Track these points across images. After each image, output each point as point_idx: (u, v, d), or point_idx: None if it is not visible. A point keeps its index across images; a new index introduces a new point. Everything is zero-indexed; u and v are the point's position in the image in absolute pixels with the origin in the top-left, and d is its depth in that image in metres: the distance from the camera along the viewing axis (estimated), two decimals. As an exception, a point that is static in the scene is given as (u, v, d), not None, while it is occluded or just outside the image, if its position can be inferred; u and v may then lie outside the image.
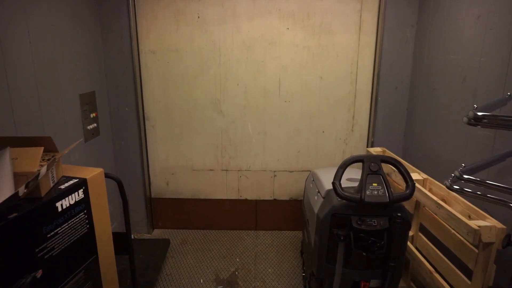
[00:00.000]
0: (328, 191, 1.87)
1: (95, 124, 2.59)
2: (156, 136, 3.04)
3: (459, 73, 2.12)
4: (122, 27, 2.71)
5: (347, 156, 2.90)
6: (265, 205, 3.21)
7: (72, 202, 1.42)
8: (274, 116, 2.97)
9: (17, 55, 1.77)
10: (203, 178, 3.14)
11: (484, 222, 1.52)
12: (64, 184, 1.43)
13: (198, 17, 2.75)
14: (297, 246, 3.02)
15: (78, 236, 1.45)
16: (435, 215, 1.89)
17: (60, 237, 1.35)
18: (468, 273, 1.62)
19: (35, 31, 1.91)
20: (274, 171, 3.12)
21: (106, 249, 1.67)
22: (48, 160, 1.42)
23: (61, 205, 1.36)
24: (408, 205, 2.15)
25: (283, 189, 3.17)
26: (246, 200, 3.21)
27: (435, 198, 1.83)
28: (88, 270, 1.53)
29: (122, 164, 3.00)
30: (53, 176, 1.43)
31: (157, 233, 3.24)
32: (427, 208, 1.97)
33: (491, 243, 1.48)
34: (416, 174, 2.23)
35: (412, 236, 2.15)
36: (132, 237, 3.00)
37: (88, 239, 1.54)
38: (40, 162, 1.36)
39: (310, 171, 3.04)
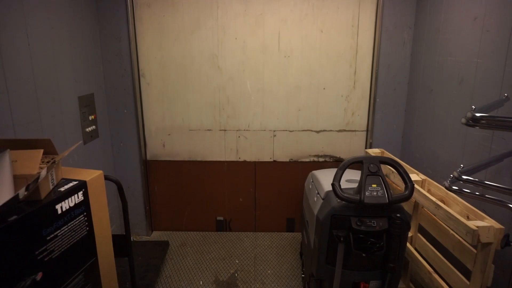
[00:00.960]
0: (328, 193, 1.87)
1: (94, 126, 2.59)
2: (151, 95, 2.94)
3: (456, 75, 2.13)
4: (120, 28, 2.71)
5: (349, 114, 2.89)
6: (264, 167, 3.12)
7: (71, 204, 1.41)
8: (274, 72, 2.88)
9: (15, 57, 1.78)
10: (201, 139, 3.05)
11: (483, 222, 1.53)
12: (63, 186, 1.43)
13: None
14: (297, 248, 3.03)
15: (77, 239, 1.45)
16: (434, 216, 1.90)
17: (60, 239, 1.35)
18: (467, 274, 1.63)
19: (34, 33, 1.91)
20: (274, 131, 3.03)
21: (106, 251, 1.67)
22: (48, 162, 1.42)
23: (61, 207, 1.36)
24: (407, 206, 2.16)
25: (283, 150, 3.07)
26: (245, 161, 3.11)
27: (433, 199, 1.83)
28: (87, 272, 1.53)
29: (121, 166, 3.00)
30: (53, 179, 1.42)
31: (156, 235, 3.23)
32: (425, 209, 1.98)
33: (490, 243, 1.49)
34: (414, 175, 2.23)
35: (411, 237, 2.16)
36: (131, 239, 2.99)
37: (88, 242, 1.53)
38: (40, 164, 1.36)
39: (310, 130, 3.00)
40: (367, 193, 1.64)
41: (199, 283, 2.56)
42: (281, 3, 2.75)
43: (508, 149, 1.65)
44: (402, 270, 1.84)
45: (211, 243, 3.09)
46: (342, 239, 1.67)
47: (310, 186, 2.32)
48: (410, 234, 2.17)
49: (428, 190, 2.12)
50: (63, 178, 1.51)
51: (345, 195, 1.65)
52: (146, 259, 2.67)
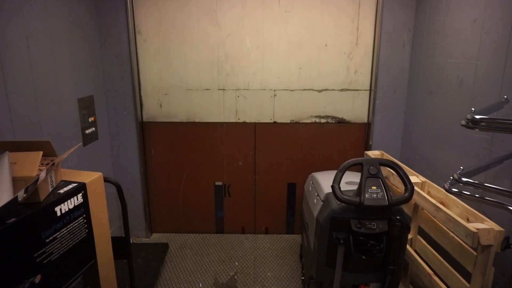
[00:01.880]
0: (328, 195, 1.87)
1: (93, 128, 2.59)
2: (148, 52, 2.85)
3: (455, 77, 2.13)
4: (120, 30, 2.71)
5: (352, 73, 2.83)
6: (264, 128, 3.03)
7: (71, 206, 1.41)
8: (274, 28, 2.79)
9: (15, 60, 1.77)
10: (199, 99, 2.95)
11: (483, 224, 1.53)
12: (63, 188, 1.43)
13: None
14: (296, 250, 3.02)
15: (77, 241, 1.45)
16: (433, 218, 1.90)
17: (59, 241, 1.34)
18: (467, 276, 1.63)
19: (33, 35, 1.91)
20: (274, 90, 2.93)
21: (105, 253, 1.66)
22: (47, 164, 1.41)
23: (60, 209, 1.36)
24: (407, 208, 2.16)
25: (284, 110, 2.98)
26: (244, 123, 3.02)
27: (433, 201, 1.83)
28: (87, 275, 1.52)
29: (121, 168, 3.00)
30: (52, 181, 1.42)
31: (155, 237, 3.23)
32: (425, 211, 1.98)
33: (490, 246, 1.49)
34: (414, 177, 2.23)
35: (411, 239, 2.15)
36: (131, 241, 2.98)
37: (87, 244, 1.53)
38: (39, 166, 1.36)
39: (312, 89, 2.91)
40: (367, 195, 1.64)
41: (199, 285, 2.56)
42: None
43: (508, 151, 1.65)
44: (402, 272, 1.83)
45: (210, 245, 3.09)
46: (342, 241, 1.67)
47: (310, 188, 2.32)
48: (410, 236, 2.16)
49: (428, 192, 2.11)
50: (62, 180, 1.51)
51: (345, 197, 1.65)
52: (146, 261, 2.66)
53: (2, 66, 1.68)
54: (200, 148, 3.08)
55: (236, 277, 2.66)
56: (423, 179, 2.19)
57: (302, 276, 2.54)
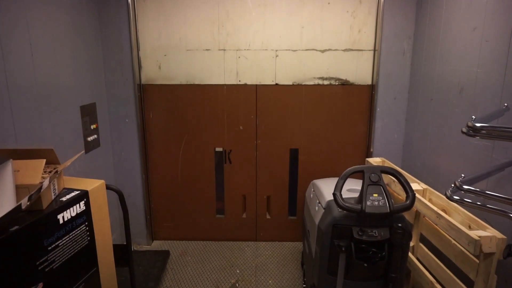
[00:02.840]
0: (329, 202, 1.87)
1: (95, 136, 2.60)
2: (147, 10, 2.77)
3: (456, 84, 2.14)
4: (122, 39, 2.74)
5: (355, 32, 2.78)
6: (266, 90, 2.93)
7: (73, 214, 1.42)
8: None
9: (19, 67, 1.79)
10: (199, 60, 2.87)
11: (485, 232, 1.53)
12: (65, 196, 1.44)
13: None
14: (298, 257, 3.01)
15: (79, 249, 1.45)
16: (435, 226, 1.89)
17: (61, 249, 1.35)
18: (469, 284, 1.62)
19: (37, 43, 1.93)
20: (276, 51, 2.84)
21: (107, 261, 1.66)
22: (50, 172, 1.42)
23: (63, 217, 1.36)
24: (408, 215, 2.15)
25: (286, 71, 2.88)
26: (245, 85, 2.92)
27: (435, 208, 1.83)
28: (88, 282, 1.52)
29: (122, 174, 3.00)
30: (55, 188, 1.43)
31: (156, 245, 3.22)
32: (427, 218, 1.97)
33: (492, 253, 1.49)
34: (415, 184, 2.23)
35: (413, 246, 2.15)
36: (132, 248, 2.98)
37: (89, 251, 1.53)
38: (42, 174, 1.36)
39: (314, 50, 2.83)
40: (368, 203, 1.64)
41: (200, 293, 2.55)
42: None
43: (509, 158, 1.65)
44: (404, 280, 1.82)
45: (211, 253, 3.08)
46: (343, 249, 1.67)
47: (311, 195, 2.32)
48: (411, 243, 2.15)
49: (430, 200, 2.11)
50: (65, 188, 1.52)
51: (346, 204, 1.65)
52: (147, 268, 2.65)
53: (5, 74, 1.69)
54: (199, 112, 2.99)
55: (237, 285, 2.64)
56: (425, 186, 2.19)
57: (304, 284, 2.53)
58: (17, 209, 1.11)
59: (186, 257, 3.01)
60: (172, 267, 2.85)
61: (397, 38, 2.74)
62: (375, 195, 1.68)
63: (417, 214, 2.10)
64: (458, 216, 1.82)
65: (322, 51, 2.84)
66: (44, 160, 1.36)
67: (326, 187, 2.12)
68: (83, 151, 2.41)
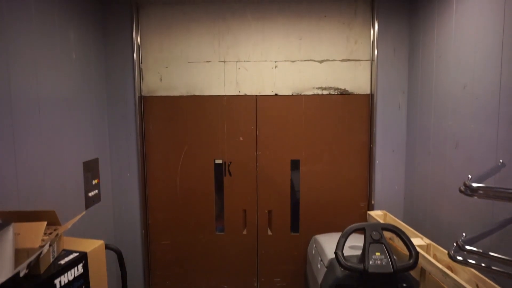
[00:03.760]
0: (331, 260, 1.84)
1: (96, 191, 2.61)
2: (150, 24, 2.89)
3: (451, 138, 2.19)
4: (127, 94, 2.85)
5: (352, 43, 2.82)
6: (266, 101, 2.96)
7: (71, 278, 1.39)
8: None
9: (26, 127, 1.85)
10: (199, 71, 2.94)
11: (492, 293, 1.49)
12: (64, 258, 1.42)
13: None
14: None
15: (74, 314, 1.41)
16: (442, 284, 1.84)
17: (57, 316, 1.31)
18: None
19: (45, 102, 2.01)
20: (275, 62, 2.91)
21: (102, 326, 1.60)
22: (50, 233, 1.42)
23: (60, 281, 1.34)
24: (414, 271, 2.09)
25: (285, 82, 2.94)
26: (245, 95, 2.96)
27: (440, 266, 1.79)
28: None
29: (121, 230, 2.97)
30: (54, 251, 1.42)
31: (154, 303, 3.10)
32: (433, 275, 1.92)
33: (502, 317, 1.43)
34: (418, 239, 2.20)
35: (420, 305, 2.07)
36: (128, 308, 2.86)
37: (85, 317, 1.48)
38: (43, 237, 1.36)
39: (312, 60, 2.91)
40: (371, 262, 1.62)
41: None
42: None
43: (511, 214, 1.65)
44: None
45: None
46: (348, 311, 1.62)
47: (313, 252, 2.28)
48: (419, 302, 2.08)
49: (434, 256, 2.07)
50: (64, 250, 1.50)
51: (349, 264, 1.63)
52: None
53: (13, 136, 1.75)
54: (199, 123, 3.00)
55: None
56: (428, 241, 2.15)
57: None
58: (15, 277, 1.10)
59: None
60: (170, 328, 2.72)
61: (391, 92, 2.85)
62: (378, 253, 1.65)
63: (423, 271, 2.05)
64: (464, 274, 1.77)
65: (320, 62, 2.93)
66: (45, 223, 1.36)
67: (328, 244, 2.10)
68: (84, 212, 2.40)
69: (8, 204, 1.70)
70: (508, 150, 1.68)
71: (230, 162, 3.03)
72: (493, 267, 1.36)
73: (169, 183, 3.05)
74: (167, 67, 2.96)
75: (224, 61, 2.94)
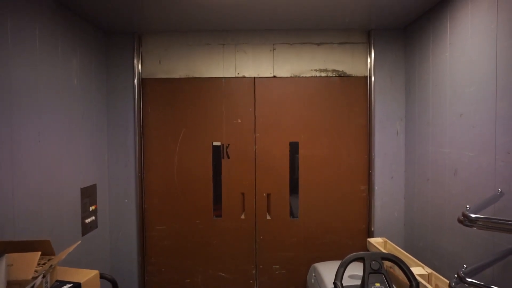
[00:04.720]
0: (330, 291, 1.80)
1: (93, 217, 2.59)
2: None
3: (449, 166, 2.19)
4: (128, 123, 2.87)
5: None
6: (264, 83, 2.96)
7: (63, 310, 1.36)
8: None
9: (25, 154, 1.86)
10: (199, 54, 2.94)
11: (496, 327, 1.45)
12: (57, 290, 1.39)
13: None
14: None
15: None
16: (444, 316, 1.79)
17: None
18: None
19: (45, 131, 2.03)
20: (274, 44, 2.93)
21: None
22: (44, 264, 1.40)
23: (52, 314, 1.31)
24: (415, 303, 2.05)
25: (284, 64, 2.94)
26: (244, 77, 2.96)
27: (441, 297, 1.75)
28: None
29: (118, 257, 2.92)
30: (47, 282, 1.39)
31: (149, 333, 3.00)
32: (435, 308, 1.88)
33: None
34: (419, 268, 2.16)
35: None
36: None
37: None
38: (36, 267, 1.34)
39: (310, 43, 2.91)
40: (371, 293, 1.58)
41: None
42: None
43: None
44: None
45: None
46: None
47: (313, 281, 2.24)
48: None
49: (436, 286, 2.03)
50: (57, 280, 1.48)
51: (348, 295, 1.59)
52: None
53: (12, 161, 1.75)
54: (198, 106, 3.00)
55: None
56: (429, 270, 2.12)
57: None
58: (5, 311, 1.08)
59: None
60: None
61: (389, 120, 2.87)
62: (377, 284, 1.62)
63: (424, 302, 2.00)
64: (466, 306, 1.73)
65: (318, 44, 2.95)
66: (39, 253, 1.34)
67: (327, 273, 2.06)
68: (79, 241, 2.37)
69: (4, 230, 1.68)
70: (506, 179, 1.68)
71: (228, 145, 3.01)
72: (495, 301, 1.34)
73: (167, 166, 3.02)
74: (166, 50, 2.98)
75: (223, 44, 2.97)
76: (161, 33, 2.96)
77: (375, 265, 1.67)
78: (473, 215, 1.31)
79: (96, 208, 2.63)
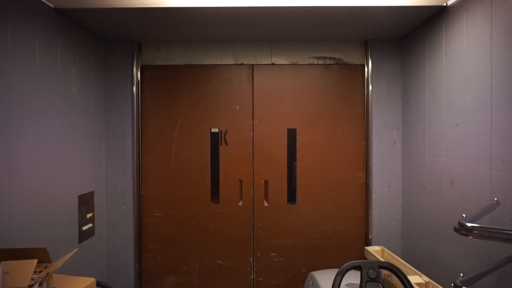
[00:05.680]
0: (327, 300, 1.80)
1: (90, 225, 2.58)
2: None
3: (446, 175, 2.20)
4: (126, 131, 2.88)
5: None
6: (262, 70, 2.99)
7: (59, 319, 1.35)
8: None
9: (23, 162, 1.86)
10: (198, 44, 2.97)
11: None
12: (53, 298, 1.38)
13: None
14: None
15: None
16: (441, 326, 1.79)
17: None
18: None
19: (43, 138, 2.04)
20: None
21: None
22: (40, 272, 1.39)
23: (47, 323, 1.30)
24: (412, 313, 2.04)
25: (282, 51, 2.98)
26: (242, 64, 2.99)
27: (439, 307, 1.75)
28: None
29: (115, 265, 2.90)
30: (43, 290, 1.38)
31: None
32: (432, 317, 1.87)
33: None
34: (417, 276, 2.16)
35: None
36: None
37: None
38: (32, 275, 1.34)
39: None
40: (368, 302, 1.58)
41: None
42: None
43: (508, 254, 1.63)
44: None
45: None
46: None
47: (310, 290, 2.23)
48: None
49: (433, 295, 2.03)
50: (53, 288, 1.47)
51: (345, 305, 1.59)
52: None
53: (9, 170, 1.75)
54: (196, 93, 3.01)
55: None
56: (427, 279, 2.12)
57: None
58: (1, 319, 1.07)
59: None
60: None
61: (386, 129, 2.89)
62: (375, 293, 1.62)
63: (422, 311, 2.00)
64: (464, 316, 1.73)
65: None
66: (35, 261, 1.34)
67: (324, 281, 2.06)
68: (76, 249, 2.36)
69: (0, 238, 1.68)
70: (502, 189, 1.70)
71: (227, 131, 3.02)
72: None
73: (165, 153, 3.02)
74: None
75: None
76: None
77: (372, 274, 1.67)
78: (469, 224, 1.32)
79: (93, 216, 2.63)
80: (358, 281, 1.72)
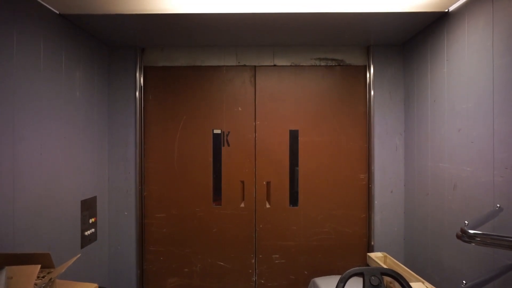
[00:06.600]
0: (330, 306, 1.79)
1: (93, 230, 2.59)
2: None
3: (449, 181, 2.20)
4: (128, 137, 2.89)
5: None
6: (265, 71, 3.00)
7: (61, 324, 1.35)
8: None
9: (27, 167, 1.87)
10: (201, 47, 2.99)
11: None
12: (56, 303, 1.39)
13: None
14: None
15: None
16: (444, 333, 1.78)
17: None
18: None
19: (47, 143, 2.05)
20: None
21: None
22: (44, 277, 1.40)
23: (50, 328, 1.30)
24: (415, 320, 2.03)
25: (284, 52, 2.99)
26: (244, 66, 3.01)
27: (442, 313, 1.74)
28: None
29: (117, 270, 2.90)
30: (46, 295, 1.39)
31: None
32: (435, 324, 1.86)
33: None
34: (420, 283, 2.15)
35: None
36: None
37: None
38: (36, 280, 1.34)
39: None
40: (370, 309, 1.57)
41: None
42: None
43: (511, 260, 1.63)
44: None
45: None
46: None
47: (312, 296, 2.22)
48: None
49: (436, 302, 2.01)
50: (56, 294, 1.47)
51: (348, 311, 1.58)
52: None
53: (13, 176, 1.76)
54: (199, 94, 3.02)
55: None
56: (429, 285, 2.10)
57: None
58: (4, 325, 1.07)
59: None
60: None
61: (388, 134, 2.89)
62: (377, 300, 1.61)
63: (425, 318, 1.99)
64: (467, 323, 1.72)
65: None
66: (39, 266, 1.34)
67: (327, 288, 2.04)
68: (79, 255, 2.37)
69: (4, 243, 1.69)
70: (504, 195, 1.69)
71: (229, 132, 3.03)
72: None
73: (167, 154, 3.02)
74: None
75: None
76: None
77: (375, 281, 1.66)
78: (471, 231, 1.32)
79: (96, 221, 2.63)
80: (360, 287, 1.71)
